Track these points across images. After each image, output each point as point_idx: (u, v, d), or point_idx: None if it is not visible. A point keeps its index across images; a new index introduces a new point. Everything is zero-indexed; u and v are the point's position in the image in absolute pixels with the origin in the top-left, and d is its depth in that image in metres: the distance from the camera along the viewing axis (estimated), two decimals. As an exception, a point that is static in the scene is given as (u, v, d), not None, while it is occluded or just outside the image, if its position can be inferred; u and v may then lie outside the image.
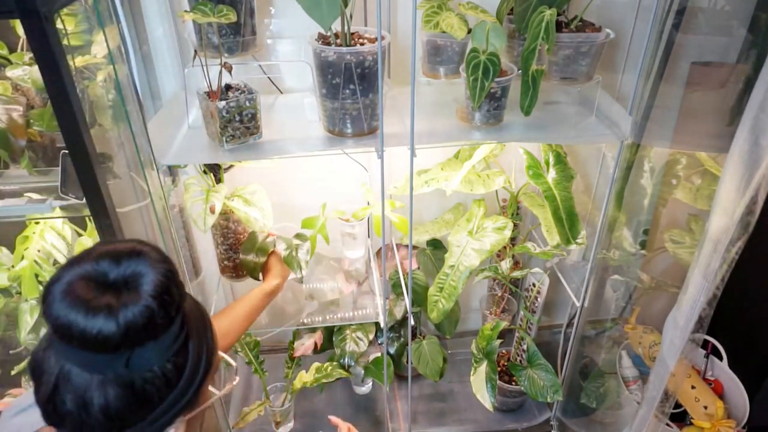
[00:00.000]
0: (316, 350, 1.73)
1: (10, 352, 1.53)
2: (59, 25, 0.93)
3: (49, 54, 0.83)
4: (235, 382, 0.82)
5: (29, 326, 1.42)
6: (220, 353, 0.75)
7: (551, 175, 1.35)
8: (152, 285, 0.57)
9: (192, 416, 0.67)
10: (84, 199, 1.00)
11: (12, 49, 1.23)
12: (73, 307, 0.54)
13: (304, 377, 1.67)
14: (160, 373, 0.59)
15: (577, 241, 1.35)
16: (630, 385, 1.57)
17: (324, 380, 1.66)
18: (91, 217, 1.04)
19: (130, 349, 0.56)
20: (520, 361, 1.80)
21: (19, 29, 1.14)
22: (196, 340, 0.64)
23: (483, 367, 1.53)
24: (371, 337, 1.73)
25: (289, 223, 1.77)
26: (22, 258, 1.35)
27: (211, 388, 0.71)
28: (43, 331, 1.46)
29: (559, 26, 1.20)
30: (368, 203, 1.58)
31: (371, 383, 1.94)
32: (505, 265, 1.60)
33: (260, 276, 1.40)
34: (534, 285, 1.67)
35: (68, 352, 0.56)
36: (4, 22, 1.18)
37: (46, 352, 0.58)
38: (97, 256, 0.58)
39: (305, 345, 1.71)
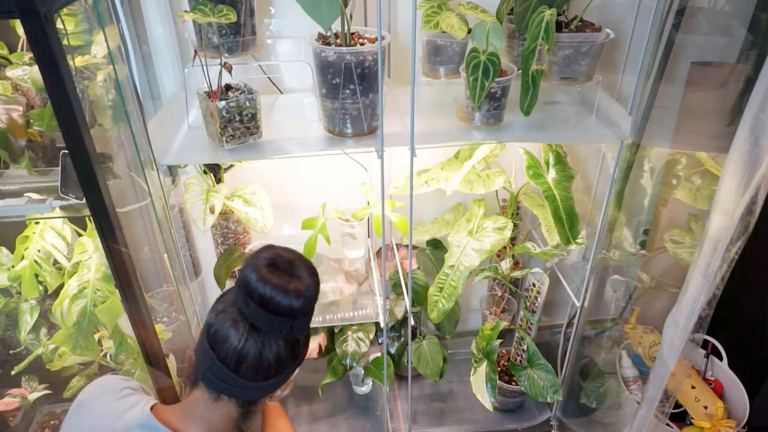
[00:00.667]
0: (321, 352, 1.73)
1: (10, 352, 1.53)
2: (59, 25, 0.93)
3: (49, 54, 0.83)
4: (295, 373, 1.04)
5: (29, 326, 1.42)
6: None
7: (551, 175, 1.35)
8: (312, 277, 0.84)
9: (289, 383, 0.95)
10: (84, 199, 1.00)
11: (12, 49, 1.23)
12: (273, 288, 0.79)
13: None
14: (303, 339, 0.87)
15: (577, 241, 1.35)
16: (630, 385, 1.57)
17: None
18: (91, 217, 1.04)
19: (295, 318, 0.82)
20: (520, 361, 1.80)
21: (19, 29, 1.14)
22: (310, 323, 0.91)
23: (483, 367, 1.53)
24: (371, 337, 1.73)
25: (289, 224, 1.78)
26: (22, 258, 1.35)
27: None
28: (44, 331, 1.46)
29: (559, 26, 1.20)
30: (368, 203, 1.58)
31: (371, 383, 1.94)
32: (505, 265, 1.60)
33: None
34: (534, 285, 1.67)
35: (260, 316, 0.80)
36: (4, 22, 1.18)
37: (229, 314, 0.82)
38: (275, 254, 0.84)
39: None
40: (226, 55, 1.21)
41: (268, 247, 0.86)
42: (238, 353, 0.80)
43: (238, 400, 0.86)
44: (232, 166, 1.51)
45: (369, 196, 1.57)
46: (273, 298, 0.78)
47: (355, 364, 1.69)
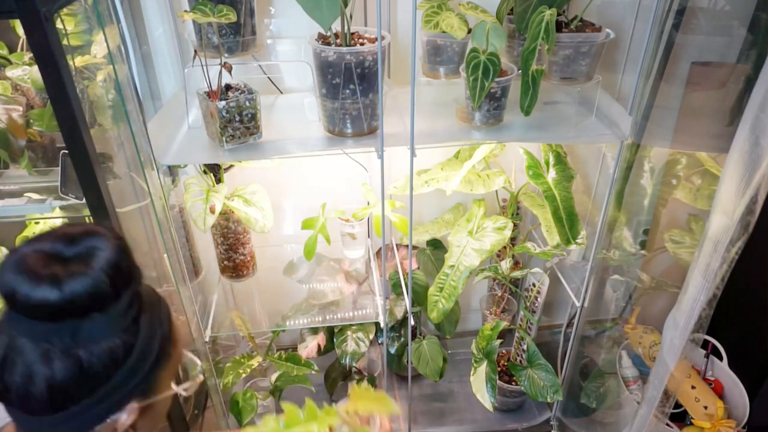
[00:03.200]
0: (320, 352, 1.73)
1: (10, 352, 1.53)
2: (59, 25, 0.93)
3: (49, 54, 0.83)
4: (198, 380, 0.81)
5: (29, 326, 1.42)
6: (184, 351, 0.75)
7: (551, 175, 1.35)
8: (103, 259, 0.59)
9: (145, 405, 0.66)
10: (84, 199, 1.00)
11: (12, 49, 1.23)
12: (20, 275, 0.56)
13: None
14: (107, 349, 0.59)
15: (577, 241, 1.35)
16: (630, 385, 1.57)
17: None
18: (91, 217, 1.04)
19: (76, 320, 0.58)
20: (520, 361, 1.80)
21: (19, 29, 1.14)
22: (148, 322, 0.64)
23: (483, 367, 1.53)
24: (371, 337, 1.73)
25: (289, 224, 1.78)
26: (22, 258, 1.35)
27: (173, 386, 0.71)
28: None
29: (559, 26, 1.20)
30: (368, 203, 1.58)
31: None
32: (505, 265, 1.60)
33: None
34: (534, 285, 1.67)
35: (17, 321, 0.58)
36: (4, 22, 1.18)
37: None
38: (55, 236, 0.60)
39: (309, 347, 1.71)
40: (226, 55, 1.21)
41: (56, 228, 0.63)
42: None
43: None
44: (232, 166, 1.51)
45: (369, 196, 1.57)
46: (14, 291, 0.55)
47: (354, 364, 1.69)
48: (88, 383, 0.59)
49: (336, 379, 1.82)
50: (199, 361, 0.86)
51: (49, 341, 0.57)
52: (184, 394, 0.75)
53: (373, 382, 1.77)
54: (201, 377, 0.86)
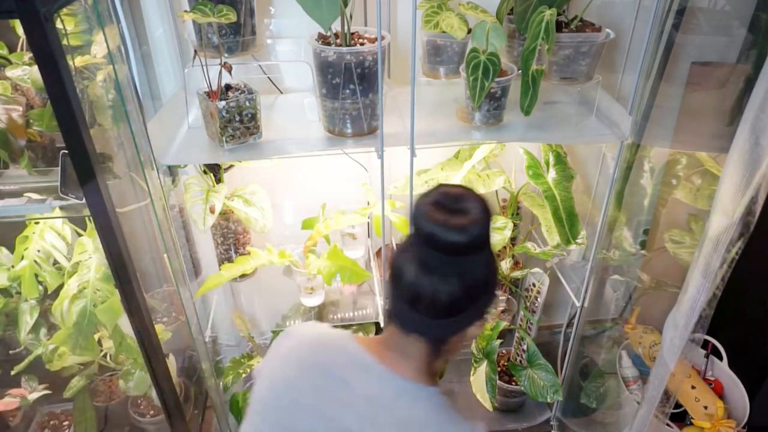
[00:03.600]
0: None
1: (10, 352, 1.53)
2: (59, 25, 0.93)
3: (49, 54, 0.83)
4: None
5: (29, 326, 1.42)
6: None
7: (551, 175, 1.35)
8: (481, 213, 0.78)
9: (481, 324, 0.89)
10: (84, 199, 1.00)
11: (12, 49, 1.23)
12: (436, 225, 0.76)
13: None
14: (482, 276, 0.81)
15: (577, 241, 1.35)
16: (630, 385, 1.57)
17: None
18: (91, 217, 1.04)
19: (466, 256, 0.79)
20: (520, 361, 1.79)
21: (19, 29, 1.14)
22: (495, 264, 0.86)
23: (483, 367, 1.53)
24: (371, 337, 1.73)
25: (289, 224, 1.78)
26: (22, 258, 1.35)
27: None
28: (44, 331, 1.46)
29: (559, 26, 1.20)
30: (368, 203, 1.58)
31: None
32: (505, 265, 1.60)
33: None
34: (534, 285, 1.67)
35: (430, 254, 0.78)
36: (4, 22, 1.18)
37: (407, 253, 0.81)
38: (442, 192, 0.80)
39: None
40: (226, 55, 1.21)
41: (438, 186, 0.84)
42: (412, 291, 0.81)
43: (427, 338, 0.85)
44: (232, 166, 1.51)
45: (369, 196, 1.57)
46: (435, 234, 0.77)
47: None
48: (469, 298, 0.81)
49: None
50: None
51: (451, 268, 0.79)
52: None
53: None
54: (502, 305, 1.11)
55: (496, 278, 0.88)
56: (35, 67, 1.16)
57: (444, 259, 0.79)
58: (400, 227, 1.48)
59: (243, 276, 1.55)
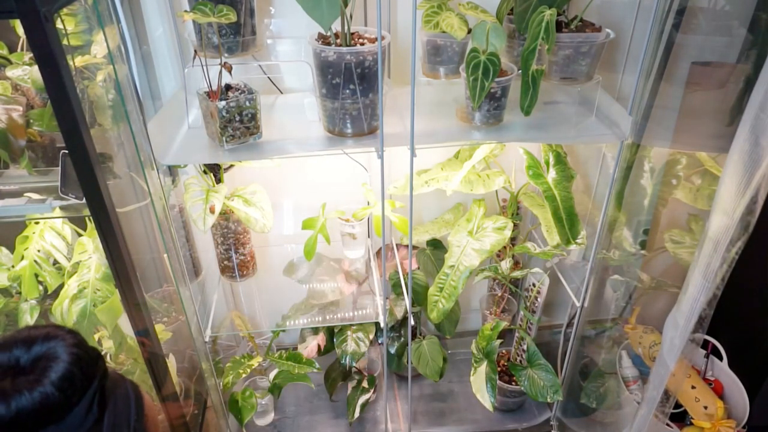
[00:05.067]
0: (320, 352, 1.73)
1: (10, 352, 1.53)
2: (59, 25, 0.93)
3: (49, 54, 0.83)
4: None
5: (29, 326, 1.42)
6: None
7: (551, 175, 1.35)
8: (57, 371, 0.57)
9: None
10: (84, 199, 1.00)
11: (12, 49, 1.23)
12: None
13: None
14: None
15: (577, 241, 1.35)
16: (630, 385, 1.57)
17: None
18: (91, 217, 1.04)
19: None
20: (520, 361, 1.80)
21: (19, 29, 1.14)
22: (112, 414, 0.64)
23: (483, 367, 1.53)
24: (371, 337, 1.73)
25: (289, 224, 1.78)
26: (22, 258, 1.35)
27: None
28: (43, 331, 1.46)
29: (559, 26, 1.20)
30: (368, 203, 1.58)
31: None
32: (505, 265, 1.60)
33: None
34: (534, 285, 1.67)
35: None
36: (4, 22, 1.18)
37: None
38: (11, 342, 0.59)
39: (309, 347, 1.71)
40: (226, 55, 1.21)
41: (14, 333, 0.62)
42: None
43: None
44: (232, 166, 1.51)
45: (369, 196, 1.57)
46: None
47: (354, 364, 1.69)
48: None
49: (336, 379, 1.82)
50: None
51: None
52: None
53: (372, 382, 1.77)
54: None
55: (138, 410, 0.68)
56: (35, 67, 1.16)
57: None
58: (400, 227, 1.49)
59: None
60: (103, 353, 1.47)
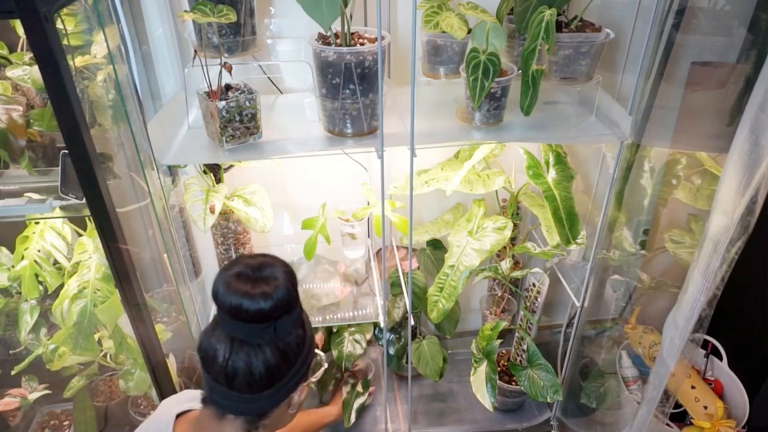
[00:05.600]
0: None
1: (10, 352, 1.53)
2: (59, 25, 0.93)
3: (49, 54, 0.83)
4: (323, 369, 1.11)
5: (29, 326, 1.42)
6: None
7: (551, 175, 1.35)
8: (284, 276, 0.81)
9: (305, 384, 0.89)
10: (84, 199, 1.00)
11: (12, 49, 1.23)
12: (239, 296, 0.77)
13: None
14: (295, 338, 0.83)
15: (577, 241, 1.35)
16: (630, 385, 1.57)
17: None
18: (91, 217, 1.04)
19: (276, 320, 0.80)
20: (520, 361, 1.79)
21: (19, 29, 1.14)
22: (308, 323, 0.89)
23: (483, 367, 1.53)
24: (369, 337, 1.73)
25: (289, 224, 1.78)
26: (22, 258, 1.35)
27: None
28: (44, 331, 1.46)
29: (559, 26, 1.20)
30: (368, 203, 1.58)
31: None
32: (505, 265, 1.60)
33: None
34: (534, 285, 1.67)
35: (237, 327, 0.79)
36: (4, 22, 1.18)
37: (215, 333, 0.81)
38: (243, 264, 0.82)
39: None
40: (226, 55, 1.21)
41: (237, 258, 0.85)
42: (227, 369, 0.80)
43: (245, 417, 0.86)
44: (232, 166, 1.51)
45: (369, 197, 1.57)
46: (240, 305, 0.77)
47: (349, 366, 1.68)
48: (286, 363, 0.82)
49: (327, 381, 1.78)
50: (322, 353, 1.19)
51: (263, 337, 0.80)
52: (314, 380, 1.02)
53: (367, 385, 1.75)
54: (325, 365, 1.13)
55: (311, 334, 0.89)
56: (35, 67, 1.16)
57: (253, 328, 0.79)
58: (400, 227, 1.48)
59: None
60: (102, 353, 1.48)
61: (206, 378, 0.84)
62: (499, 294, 1.76)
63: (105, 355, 1.51)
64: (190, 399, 0.99)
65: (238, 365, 0.79)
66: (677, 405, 1.44)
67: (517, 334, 1.81)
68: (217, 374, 0.81)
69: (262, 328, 0.79)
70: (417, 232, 1.69)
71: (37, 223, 1.35)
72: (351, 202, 1.62)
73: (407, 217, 1.34)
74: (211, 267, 1.66)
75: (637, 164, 1.32)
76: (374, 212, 1.53)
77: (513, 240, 1.67)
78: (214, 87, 1.16)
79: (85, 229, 1.39)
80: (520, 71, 1.18)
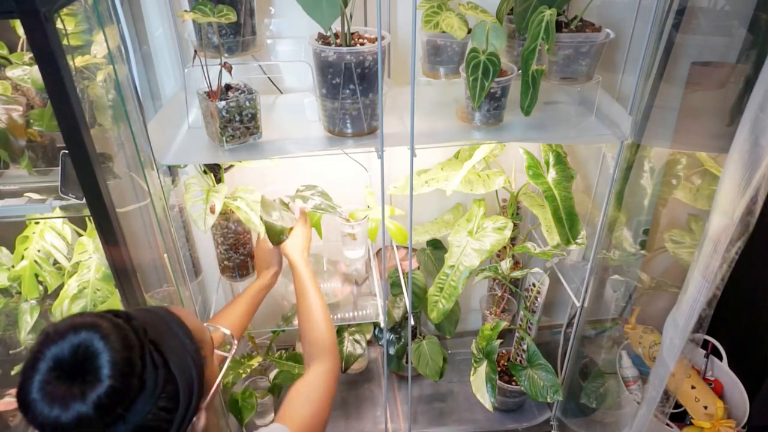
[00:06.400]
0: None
1: (10, 352, 1.53)
2: (59, 25, 0.93)
3: (49, 54, 0.83)
4: (233, 351, 0.89)
5: (29, 326, 1.42)
6: (208, 328, 0.80)
7: (551, 175, 1.35)
8: (110, 365, 0.59)
9: (207, 402, 0.72)
10: (84, 199, 1.00)
11: (12, 49, 1.23)
12: (48, 403, 0.59)
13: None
14: (158, 411, 0.62)
15: (577, 241, 1.35)
16: (630, 385, 1.57)
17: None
18: (91, 217, 1.04)
19: (120, 416, 0.59)
20: (520, 361, 1.79)
21: (19, 29, 1.14)
22: (177, 362, 0.66)
23: (483, 367, 1.53)
24: (369, 337, 1.73)
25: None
26: (22, 258, 1.35)
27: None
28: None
29: (559, 26, 1.20)
30: (368, 206, 1.58)
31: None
32: (505, 265, 1.60)
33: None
34: (534, 285, 1.67)
35: None
36: (4, 22, 1.18)
37: None
38: (47, 356, 0.61)
39: None
40: (226, 55, 1.21)
41: (40, 342, 0.62)
42: None
43: None
44: (232, 165, 1.51)
45: (369, 200, 1.57)
46: (58, 419, 0.58)
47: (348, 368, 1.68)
48: (167, 424, 0.63)
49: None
50: (227, 330, 0.95)
51: None
52: (227, 364, 0.84)
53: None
54: (235, 343, 0.94)
55: (189, 365, 0.68)
56: (35, 67, 1.16)
57: None
58: (395, 236, 1.48)
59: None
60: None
61: None
62: (499, 294, 1.76)
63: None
64: None
65: None
66: (677, 405, 1.44)
67: (517, 334, 1.81)
68: None
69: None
70: (417, 233, 1.69)
71: (37, 223, 1.35)
72: (351, 202, 1.62)
73: (407, 219, 1.34)
74: (211, 267, 1.66)
75: (637, 164, 1.32)
76: (371, 216, 1.53)
77: (513, 240, 1.67)
78: (214, 87, 1.16)
79: (85, 229, 1.39)
80: (520, 71, 1.18)
